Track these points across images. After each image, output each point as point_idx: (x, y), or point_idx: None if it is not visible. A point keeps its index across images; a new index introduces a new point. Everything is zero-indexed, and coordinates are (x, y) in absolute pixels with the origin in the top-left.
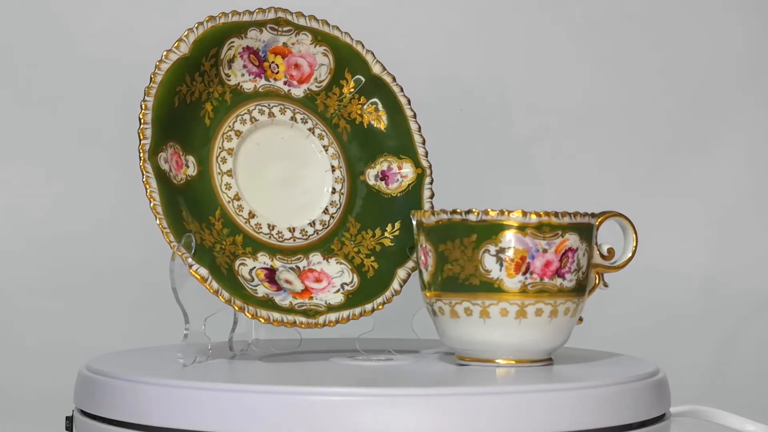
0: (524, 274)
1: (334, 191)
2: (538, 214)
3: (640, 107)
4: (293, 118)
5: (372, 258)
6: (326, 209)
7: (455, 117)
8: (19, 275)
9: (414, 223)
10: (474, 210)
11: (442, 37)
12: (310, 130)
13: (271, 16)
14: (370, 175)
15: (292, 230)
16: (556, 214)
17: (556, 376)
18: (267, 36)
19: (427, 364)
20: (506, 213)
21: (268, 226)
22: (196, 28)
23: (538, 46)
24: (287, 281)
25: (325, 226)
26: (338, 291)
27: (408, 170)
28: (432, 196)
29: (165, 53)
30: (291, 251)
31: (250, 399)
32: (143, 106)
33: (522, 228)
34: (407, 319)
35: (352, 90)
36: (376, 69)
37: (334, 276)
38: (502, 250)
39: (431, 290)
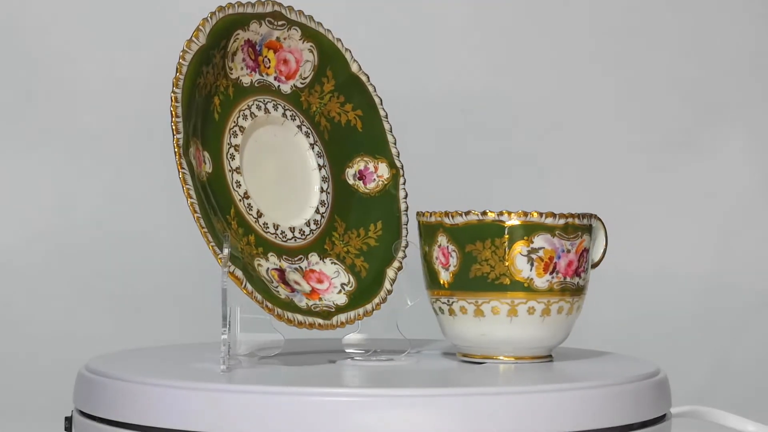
0: (551, 273)
1: (322, 190)
2: (564, 216)
3: (641, 107)
4: (284, 115)
5: (362, 258)
6: (317, 208)
7: (455, 117)
8: (19, 276)
9: (425, 223)
10: (506, 211)
11: (443, 39)
12: (298, 127)
13: (269, 9)
14: (349, 175)
15: (292, 230)
16: (578, 216)
17: (557, 376)
18: (265, 29)
19: (427, 363)
20: (539, 215)
21: (274, 225)
22: (210, 18)
23: (538, 47)
24: (296, 282)
25: (318, 226)
26: (340, 292)
27: (384, 170)
28: (406, 196)
29: (186, 43)
30: (294, 251)
31: (250, 399)
32: (173, 98)
33: (552, 229)
34: (388, 318)
35: (332, 89)
36: (354, 67)
37: (332, 276)
38: (533, 251)
39: (451, 289)
